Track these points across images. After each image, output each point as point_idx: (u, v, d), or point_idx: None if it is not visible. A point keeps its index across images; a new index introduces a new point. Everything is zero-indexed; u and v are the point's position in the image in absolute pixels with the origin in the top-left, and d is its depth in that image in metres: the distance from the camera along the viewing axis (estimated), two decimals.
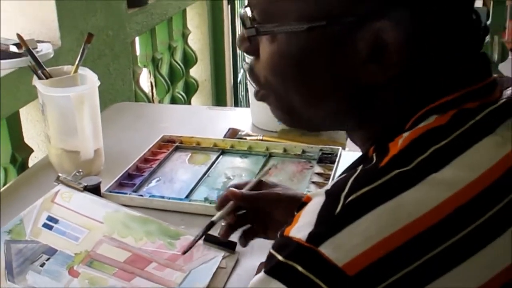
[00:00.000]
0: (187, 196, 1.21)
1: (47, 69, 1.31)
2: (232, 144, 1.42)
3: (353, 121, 0.66)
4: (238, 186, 0.99)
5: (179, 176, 1.31)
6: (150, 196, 1.19)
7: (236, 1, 3.26)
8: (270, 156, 1.37)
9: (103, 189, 1.19)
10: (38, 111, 1.43)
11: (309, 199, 0.57)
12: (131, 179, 1.28)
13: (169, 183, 1.27)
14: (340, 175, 0.60)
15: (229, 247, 1.01)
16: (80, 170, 1.13)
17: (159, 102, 2.49)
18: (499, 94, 0.61)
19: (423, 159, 0.55)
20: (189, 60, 2.79)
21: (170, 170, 1.33)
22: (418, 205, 0.52)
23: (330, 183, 0.58)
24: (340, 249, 0.51)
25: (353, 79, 0.61)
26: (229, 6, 3.18)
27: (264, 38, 0.65)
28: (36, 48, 1.45)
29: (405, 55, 0.58)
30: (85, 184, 1.10)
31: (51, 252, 0.96)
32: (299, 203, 0.66)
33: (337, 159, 1.32)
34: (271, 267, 0.54)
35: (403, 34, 0.57)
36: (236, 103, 3.29)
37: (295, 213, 0.57)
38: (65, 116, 1.26)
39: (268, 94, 0.69)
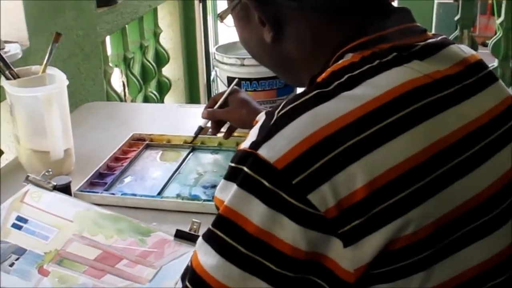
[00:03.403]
0: (159, 193, 1.21)
1: (14, 69, 1.30)
2: (202, 140, 1.42)
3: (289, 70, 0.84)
4: (215, 98, 1.37)
5: (150, 173, 1.31)
6: (122, 194, 1.19)
7: None
8: None
9: (75, 188, 1.19)
10: (7, 113, 1.42)
11: (256, 122, 0.71)
12: (102, 178, 1.28)
13: (140, 181, 1.27)
14: None
15: None
16: (50, 170, 1.12)
17: (132, 101, 2.48)
18: (419, 40, 0.75)
19: (339, 82, 0.69)
20: (161, 59, 2.79)
21: (141, 168, 1.33)
22: (331, 112, 0.65)
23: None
24: (272, 150, 0.64)
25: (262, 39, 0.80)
26: (201, 4, 3.18)
27: None
28: (4, 48, 1.44)
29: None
30: (55, 184, 1.09)
31: (20, 251, 0.95)
32: (246, 115, 1.29)
33: None
34: (227, 173, 0.69)
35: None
36: None
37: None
38: (33, 116, 1.25)
39: None
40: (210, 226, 0.69)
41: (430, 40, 0.76)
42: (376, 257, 0.63)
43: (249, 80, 1.47)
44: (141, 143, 1.43)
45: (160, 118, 1.69)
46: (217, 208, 0.70)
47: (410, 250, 0.64)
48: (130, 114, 1.77)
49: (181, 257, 0.98)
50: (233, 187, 0.66)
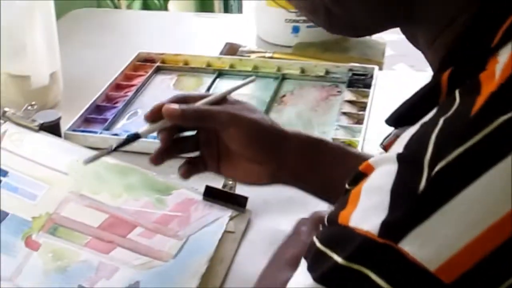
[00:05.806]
0: None
1: None
2: (231, 63, 1.39)
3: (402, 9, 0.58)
4: (187, 99, 0.88)
5: None
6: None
7: None
8: (283, 78, 1.34)
9: (64, 127, 1.16)
10: None
11: (369, 168, 0.50)
12: (101, 113, 1.25)
13: None
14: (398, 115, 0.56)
15: (238, 203, 0.98)
16: (34, 103, 1.09)
17: (128, 7, 2.42)
18: None
19: None
20: None
21: (152, 99, 1.26)
22: None
23: (397, 142, 0.50)
24: (430, 245, 0.45)
25: None
26: None
27: None
28: None
29: None
30: (41, 122, 1.05)
31: None
32: (265, 132, 0.83)
33: (373, 82, 1.28)
34: (324, 273, 0.48)
35: None
36: (227, 9, 3.20)
37: (347, 186, 0.51)
38: (10, 29, 1.21)
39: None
40: None
41: None
42: None
43: None
44: (150, 66, 1.39)
45: (171, 32, 1.66)
46: None
47: None
48: (131, 25, 1.75)
49: (214, 223, 0.95)
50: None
